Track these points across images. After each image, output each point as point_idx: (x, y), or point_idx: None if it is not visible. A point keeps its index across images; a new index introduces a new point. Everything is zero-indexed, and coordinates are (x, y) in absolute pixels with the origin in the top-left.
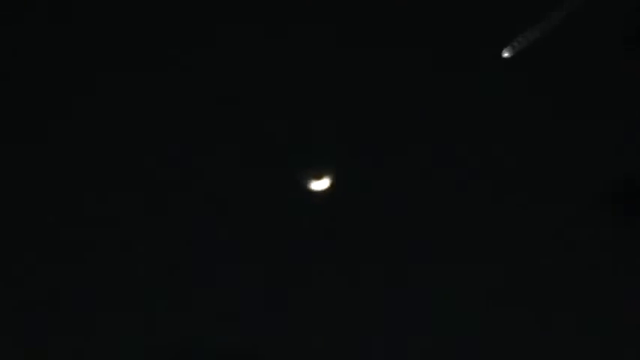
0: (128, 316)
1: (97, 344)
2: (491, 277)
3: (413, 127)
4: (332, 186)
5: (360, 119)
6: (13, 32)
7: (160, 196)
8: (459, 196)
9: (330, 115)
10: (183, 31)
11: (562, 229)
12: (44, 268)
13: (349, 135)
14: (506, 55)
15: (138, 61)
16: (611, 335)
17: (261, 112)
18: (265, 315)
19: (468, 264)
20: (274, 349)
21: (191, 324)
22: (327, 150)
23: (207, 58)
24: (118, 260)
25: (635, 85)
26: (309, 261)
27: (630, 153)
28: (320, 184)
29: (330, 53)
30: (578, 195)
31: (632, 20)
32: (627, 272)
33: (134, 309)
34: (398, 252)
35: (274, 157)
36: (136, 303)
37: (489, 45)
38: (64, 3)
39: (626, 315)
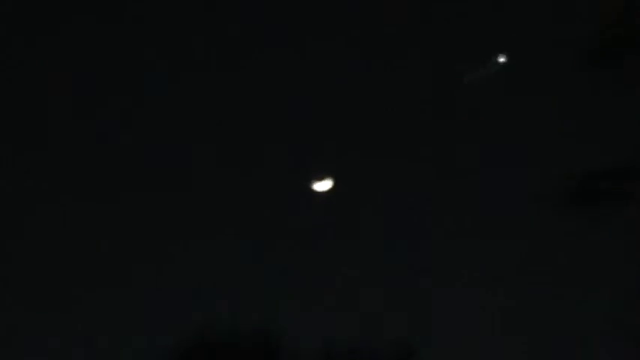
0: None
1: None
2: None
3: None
4: (334, 187)
5: (363, 120)
6: None
7: (159, 195)
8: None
9: (333, 115)
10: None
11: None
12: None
13: (352, 136)
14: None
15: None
16: None
17: (262, 114)
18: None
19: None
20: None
21: (193, 319)
22: (330, 150)
23: (209, 59)
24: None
25: (601, 93)
26: (310, 262)
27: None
28: (322, 185)
29: (331, 56)
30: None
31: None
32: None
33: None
34: (400, 252)
35: (275, 157)
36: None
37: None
38: None
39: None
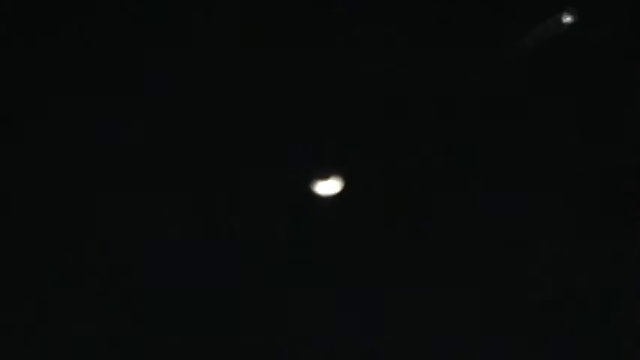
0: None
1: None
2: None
3: (423, 126)
4: (341, 188)
5: (370, 115)
6: None
7: (159, 195)
8: (469, 194)
9: (336, 111)
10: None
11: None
12: None
13: (358, 132)
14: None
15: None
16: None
17: (261, 109)
18: (263, 319)
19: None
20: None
21: (190, 324)
22: (335, 147)
23: (205, 56)
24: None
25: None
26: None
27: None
28: (327, 186)
29: (333, 48)
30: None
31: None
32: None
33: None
34: (405, 257)
35: (276, 155)
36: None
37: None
38: None
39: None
